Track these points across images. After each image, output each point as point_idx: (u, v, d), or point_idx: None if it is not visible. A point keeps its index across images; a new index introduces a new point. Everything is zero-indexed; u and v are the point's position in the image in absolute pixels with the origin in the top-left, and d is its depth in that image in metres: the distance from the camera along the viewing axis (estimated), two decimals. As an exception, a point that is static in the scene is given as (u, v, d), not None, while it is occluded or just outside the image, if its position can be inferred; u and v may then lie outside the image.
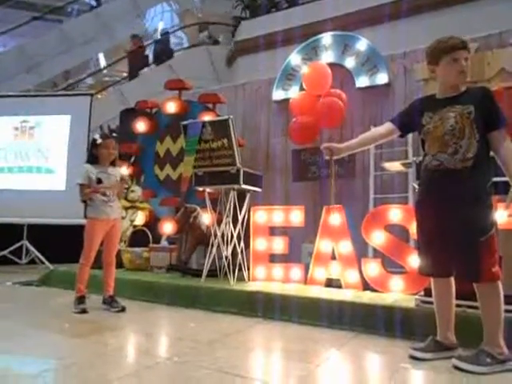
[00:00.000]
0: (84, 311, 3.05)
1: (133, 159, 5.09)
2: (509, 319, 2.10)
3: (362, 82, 4.23)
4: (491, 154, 2.02)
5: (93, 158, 3.24)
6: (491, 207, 1.97)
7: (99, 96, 9.39)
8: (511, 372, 1.89)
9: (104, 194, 3.17)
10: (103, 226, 3.17)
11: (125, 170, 3.99)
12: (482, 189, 1.97)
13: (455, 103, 2.04)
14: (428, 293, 2.36)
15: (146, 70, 9.62)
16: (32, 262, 5.64)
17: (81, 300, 3.12)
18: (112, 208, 3.21)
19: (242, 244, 3.67)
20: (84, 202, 3.23)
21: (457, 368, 1.92)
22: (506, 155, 1.96)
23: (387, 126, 2.30)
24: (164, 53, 9.46)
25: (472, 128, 1.98)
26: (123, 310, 3.16)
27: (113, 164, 3.30)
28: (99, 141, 3.25)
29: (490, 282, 1.95)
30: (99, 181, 3.17)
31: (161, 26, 13.61)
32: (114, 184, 3.22)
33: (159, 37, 10.53)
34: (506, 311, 2.10)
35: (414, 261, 2.85)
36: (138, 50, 9.39)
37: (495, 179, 2.03)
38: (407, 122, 2.25)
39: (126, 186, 3.33)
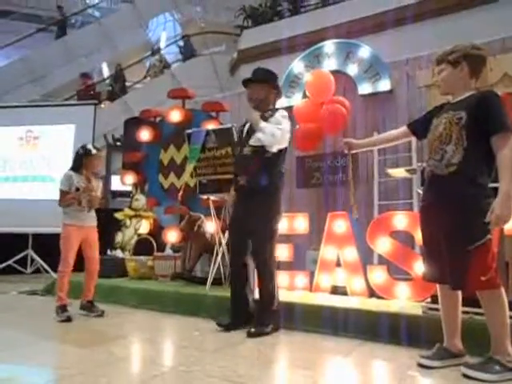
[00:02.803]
0: (69, 319, 3.05)
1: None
2: (517, 326, 2.08)
3: (365, 88, 4.24)
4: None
5: (77, 167, 3.28)
6: (483, 214, 1.87)
7: (103, 105, 9.45)
8: (521, 379, 1.87)
9: (79, 204, 3.21)
10: (78, 232, 3.20)
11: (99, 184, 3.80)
12: (469, 195, 1.93)
13: (450, 109, 2.06)
14: (435, 300, 2.35)
15: (147, 79, 9.69)
16: (37, 271, 5.65)
17: (63, 309, 3.13)
18: (86, 215, 3.25)
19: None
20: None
21: (466, 376, 1.90)
22: (498, 165, 1.89)
23: (403, 129, 2.39)
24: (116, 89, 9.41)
25: (460, 134, 1.96)
26: (102, 314, 3.19)
27: (95, 176, 3.36)
28: (94, 151, 3.29)
29: (480, 291, 1.92)
30: (77, 190, 3.22)
31: (163, 35, 13.74)
32: (82, 191, 3.23)
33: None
34: (514, 318, 2.08)
35: (419, 267, 2.83)
36: (87, 89, 9.22)
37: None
38: (421, 127, 2.27)
39: (93, 195, 3.30)
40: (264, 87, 2.86)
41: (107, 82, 10.33)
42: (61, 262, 3.18)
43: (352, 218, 3.14)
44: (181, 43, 10.99)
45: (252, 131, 2.79)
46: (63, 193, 3.20)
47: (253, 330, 2.66)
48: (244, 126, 2.93)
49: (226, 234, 3.63)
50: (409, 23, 5.55)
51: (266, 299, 2.78)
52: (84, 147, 3.34)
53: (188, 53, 10.47)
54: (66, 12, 12.53)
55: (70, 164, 5.63)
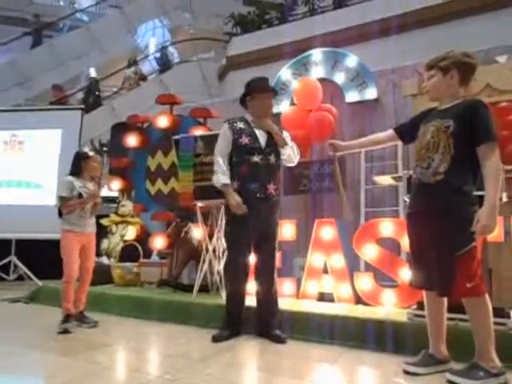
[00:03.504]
0: (66, 331, 2.95)
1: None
2: (500, 332, 2.12)
3: (352, 97, 4.29)
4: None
5: (77, 171, 3.22)
6: (468, 221, 1.90)
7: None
8: (504, 385, 1.90)
9: (82, 209, 3.15)
10: (78, 238, 3.12)
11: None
12: (455, 203, 1.95)
13: (438, 117, 2.07)
14: (421, 306, 2.37)
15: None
16: (20, 278, 5.53)
17: (66, 319, 3.02)
18: (87, 222, 3.19)
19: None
20: (60, 215, 3.17)
21: (451, 382, 1.92)
22: (485, 175, 1.91)
23: (389, 132, 2.41)
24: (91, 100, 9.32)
25: (448, 143, 1.98)
26: (96, 325, 3.11)
27: (96, 181, 3.29)
28: (91, 153, 3.26)
29: (466, 298, 1.95)
30: (80, 196, 3.14)
31: (152, 41, 13.73)
32: (89, 197, 3.16)
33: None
34: (498, 324, 2.11)
35: (406, 274, 2.85)
36: (60, 101, 8.89)
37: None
38: (407, 131, 2.30)
39: (98, 201, 3.26)
40: None
41: (81, 93, 10.07)
42: (64, 271, 3.06)
43: (344, 218, 3.03)
44: (157, 54, 10.92)
45: (273, 141, 2.86)
46: (64, 199, 3.10)
47: (282, 334, 2.71)
48: (245, 128, 2.85)
49: (214, 241, 3.62)
50: (393, 34, 5.65)
51: (276, 303, 2.86)
52: (80, 151, 3.35)
53: (165, 64, 10.42)
54: (54, 16, 12.46)
55: (55, 169, 5.63)
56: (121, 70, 10.36)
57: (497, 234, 2.47)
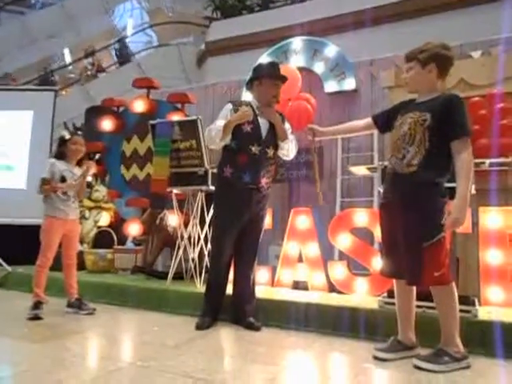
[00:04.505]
0: (36, 317, 2.88)
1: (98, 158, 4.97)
2: (465, 319, 2.20)
3: (331, 87, 4.30)
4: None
5: (60, 155, 3.15)
6: (438, 213, 1.97)
7: (63, 92, 9.10)
8: (467, 369, 1.97)
9: (64, 193, 3.07)
10: (60, 225, 3.05)
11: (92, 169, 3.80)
12: (426, 194, 2.00)
13: (416, 109, 2.10)
14: (391, 294, 2.43)
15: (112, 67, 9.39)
16: (-12, 263, 5.37)
17: (36, 305, 2.95)
18: (70, 207, 3.11)
19: (209, 246, 3.63)
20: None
21: (417, 367, 1.98)
22: (457, 169, 1.96)
23: (367, 120, 2.42)
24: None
25: (424, 136, 2.01)
26: (93, 312, 3.09)
27: (79, 164, 3.21)
28: (68, 136, 3.18)
29: (433, 286, 2.01)
30: (63, 179, 3.06)
31: (130, 23, 13.38)
32: (74, 183, 3.09)
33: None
34: (463, 311, 2.19)
35: (377, 263, 2.91)
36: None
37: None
38: (385, 121, 2.32)
39: (88, 186, 3.24)
40: None
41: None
42: (39, 257, 3.01)
43: (318, 205, 3.11)
44: (117, 46, 10.64)
45: (273, 132, 2.76)
46: (43, 180, 3.02)
47: (256, 322, 2.70)
48: (252, 118, 2.72)
49: (189, 228, 3.59)
50: (370, 26, 5.68)
51: (253, 291, 2.85)
52: (62, 135, 3.26)
53: (123, 57, 10.16)
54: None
55: (27, 151, 5.46)
56: (79, 59, 10.05)
57: (465, 225, 2.54)
